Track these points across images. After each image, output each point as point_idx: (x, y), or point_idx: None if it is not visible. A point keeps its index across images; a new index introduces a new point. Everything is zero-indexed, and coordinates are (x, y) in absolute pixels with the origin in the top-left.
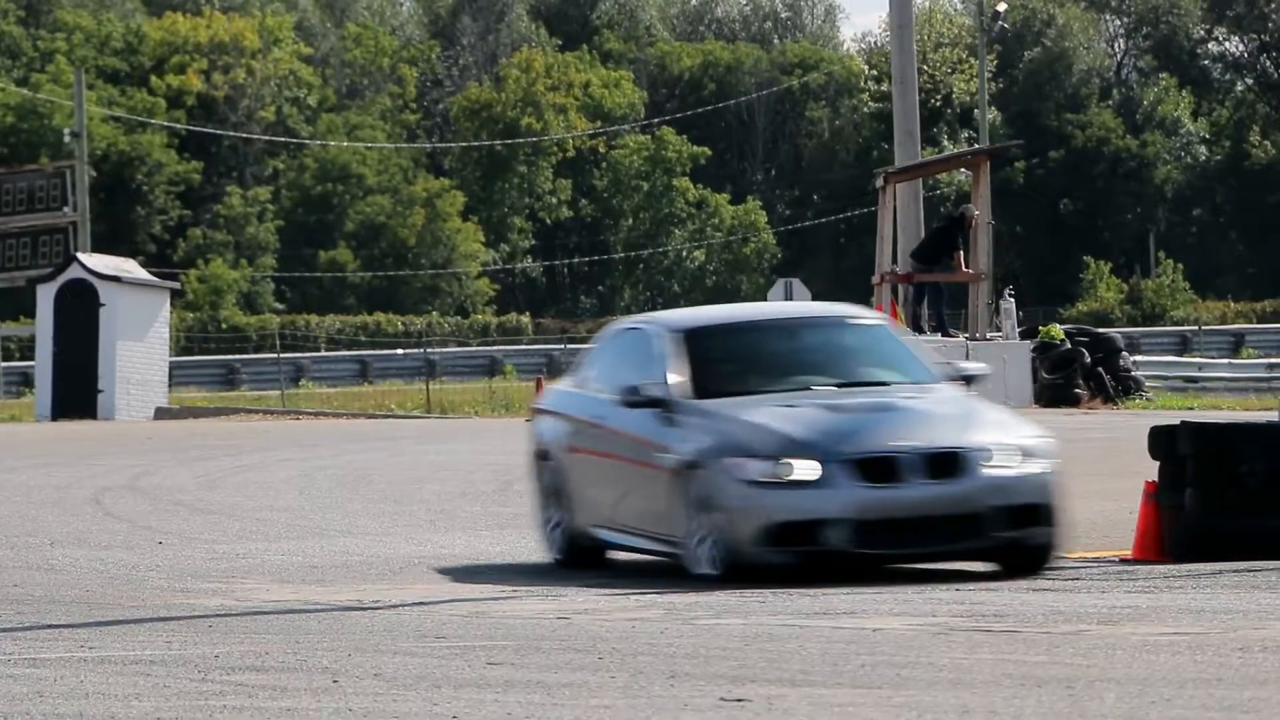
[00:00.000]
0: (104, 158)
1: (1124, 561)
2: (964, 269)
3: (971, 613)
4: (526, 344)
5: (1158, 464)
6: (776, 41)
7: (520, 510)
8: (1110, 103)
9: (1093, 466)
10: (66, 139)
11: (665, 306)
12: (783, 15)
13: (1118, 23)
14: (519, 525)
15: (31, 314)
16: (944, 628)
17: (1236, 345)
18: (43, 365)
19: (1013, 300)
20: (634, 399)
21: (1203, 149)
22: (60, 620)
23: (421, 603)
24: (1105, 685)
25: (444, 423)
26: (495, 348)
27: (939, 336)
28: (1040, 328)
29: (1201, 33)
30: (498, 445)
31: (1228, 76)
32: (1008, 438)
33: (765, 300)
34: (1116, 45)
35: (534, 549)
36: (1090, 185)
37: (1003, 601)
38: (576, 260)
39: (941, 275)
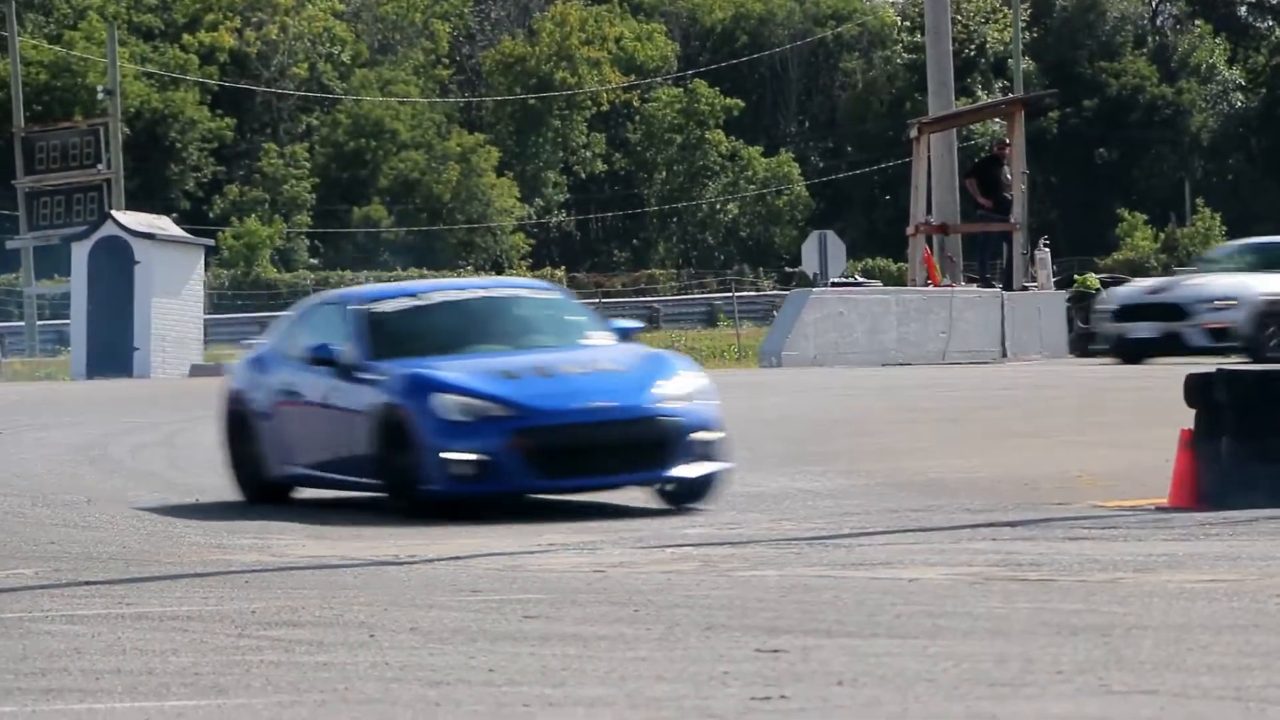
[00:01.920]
0: (137, 115)
1: (1160, 509)
2: (981, 199)
3: (1007, 562)
4: None
5: (1194, 412)
6: None
7: None
8: (1145, 51)
9: (1128, 416)
10: (100, 96)
11: (699, 260)
12: None
13: None
14: None
15: (66, 272)
16: (980, 577)
17: None
18: (78, 323)
19: (1048, 250)
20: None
21: (1239, 96)
22: (97, 577)
23: (457, 557)
24: (1142, 633)
25: None
26: None
27: (973, 286)
28: (1076, 277)
29: None
30: None
31: (1264, 22)
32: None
33: (801, 252)
34: None
35: (570, 501)
36: (1125, 134)
37: (1038, 551)
38: (610, 214)
39: (979, 225)
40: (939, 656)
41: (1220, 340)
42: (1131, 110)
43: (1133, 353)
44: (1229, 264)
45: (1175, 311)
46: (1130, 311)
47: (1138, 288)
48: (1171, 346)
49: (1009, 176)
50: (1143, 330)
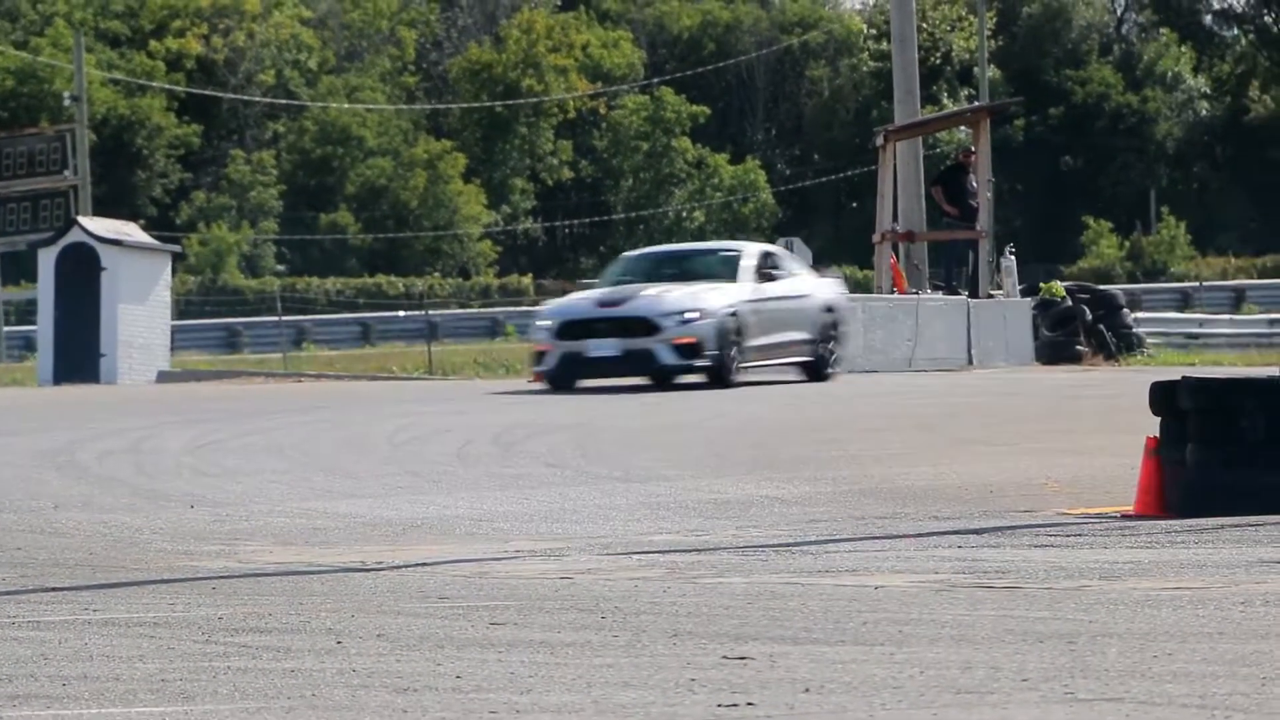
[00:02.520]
0: (104, 121)
1: (1125, 517)
2: (947, 207)
3: (973, 569)
4: (528, 305)
5: (1159, 420)
6: (775, 0)
7: (522, 471)
8: (1110, 59)
9: (1094, 423)
10: (66, 102)
11: None
12: None
13: None
14: (520, 486)
15: (32, 278)
16: (946, 584)
17: (1237, 301)
18: (44, 329)
19: (1014, 258)
20: None
21: (1204, 104)
22: (64, 583)
23: (424, 563)
24: (1108, 640)
25: (445, 384)
26: (497, 309)
27: (939, 294)
28: (1041, 285)
29: None
30: (498, 407)
31: (1229, 31)
32: None
33: None
34: (1116, 1)
35: (539, 508)
36: (1091, 142)
37: (1005, 558)
38: (577, 221)
39: (945, 233)
40: (905, 664)
41: (690, 357)
42: (1097, 118)
43: (577, 376)
44: (636, 274)
45: (643, 326)
46: (579, 327)
47: (583, 299)
48: (638, 366)
49: (974, 184)
50: (603, 348)
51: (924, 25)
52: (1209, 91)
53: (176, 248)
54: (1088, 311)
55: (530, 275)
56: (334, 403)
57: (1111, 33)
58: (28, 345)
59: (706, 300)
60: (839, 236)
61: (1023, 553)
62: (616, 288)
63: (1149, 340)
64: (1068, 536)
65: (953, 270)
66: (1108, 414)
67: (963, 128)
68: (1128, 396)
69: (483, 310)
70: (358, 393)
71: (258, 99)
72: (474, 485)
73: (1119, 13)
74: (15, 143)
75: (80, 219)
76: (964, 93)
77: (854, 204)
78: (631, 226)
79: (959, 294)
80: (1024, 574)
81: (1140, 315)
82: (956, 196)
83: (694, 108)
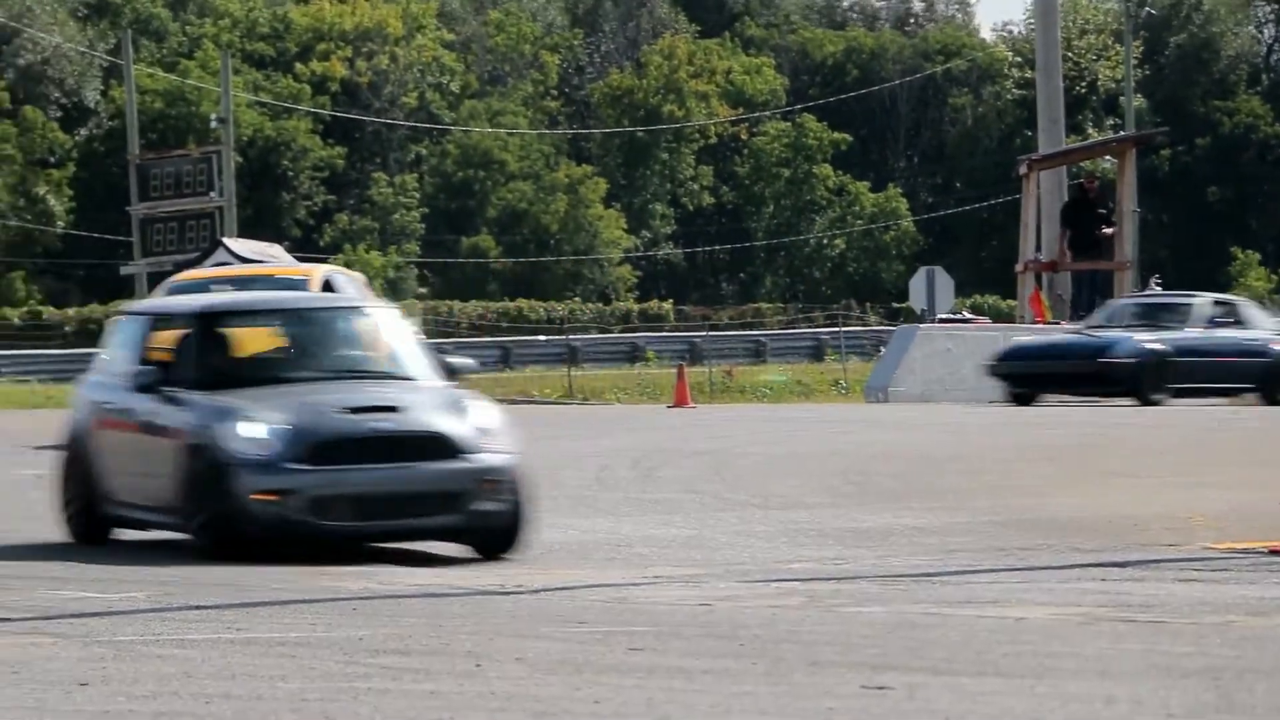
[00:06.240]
0: (250, 143)
1: (1273, 553)
2: (1067, 253)
3: (1117, 603)
4: (668, 331)
5: None
6: (910, 28)
7: (657, 496)
8: (1259, 89)
9: (1239, 456)
10: (213, 125)
11: (806, 294)
12: (918, 4)
13: (1267, 8)
14: (660, 510)
15: None
16: (1089, 618)
17: None
18: None
19: (1159, 288)
20: (142, 384)
21: None
22: (208, 601)
23: (563, 587)
24: (1255, 676)
25: (585, 409)
26: (637, 334)
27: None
28: None
29: None
30: (637, 432)
31: None
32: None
33: (909, 288)
34: (1265, 30)
35: (677, 534)
36: (1238, 172)
37: (1148, 592)
38: (717, 248)
39: (1088, 263)
40: (1046, 696)
41: None
42: (1244, 149)
43: None
44: None
45: None
46: None
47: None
48: None
49: (1102, 212)
50: None
51: (1069, 54)
52: None
53: None
54: None
55: (670, 301)
56: None
57: (1260, 62)
58: None
59: None
60: (980, 266)
61: (1167, 587)
62: None
63: None
64: (1214, 571)
65: (1094, 300)
66: (1255, 448)
67: (1108, 157)
68: (1276, 429)
69: (622, 335)
70: None
71: (401, 122)
72: (612, 510)
73: (1268, 43)
74: (163, 164)
75: (225, 240)
76: (1109, 122)
77: (996, 233)
78: (772, 253)
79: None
80: (1169, 608)
81: None
82: (1083, 234)
83: (836, 135)
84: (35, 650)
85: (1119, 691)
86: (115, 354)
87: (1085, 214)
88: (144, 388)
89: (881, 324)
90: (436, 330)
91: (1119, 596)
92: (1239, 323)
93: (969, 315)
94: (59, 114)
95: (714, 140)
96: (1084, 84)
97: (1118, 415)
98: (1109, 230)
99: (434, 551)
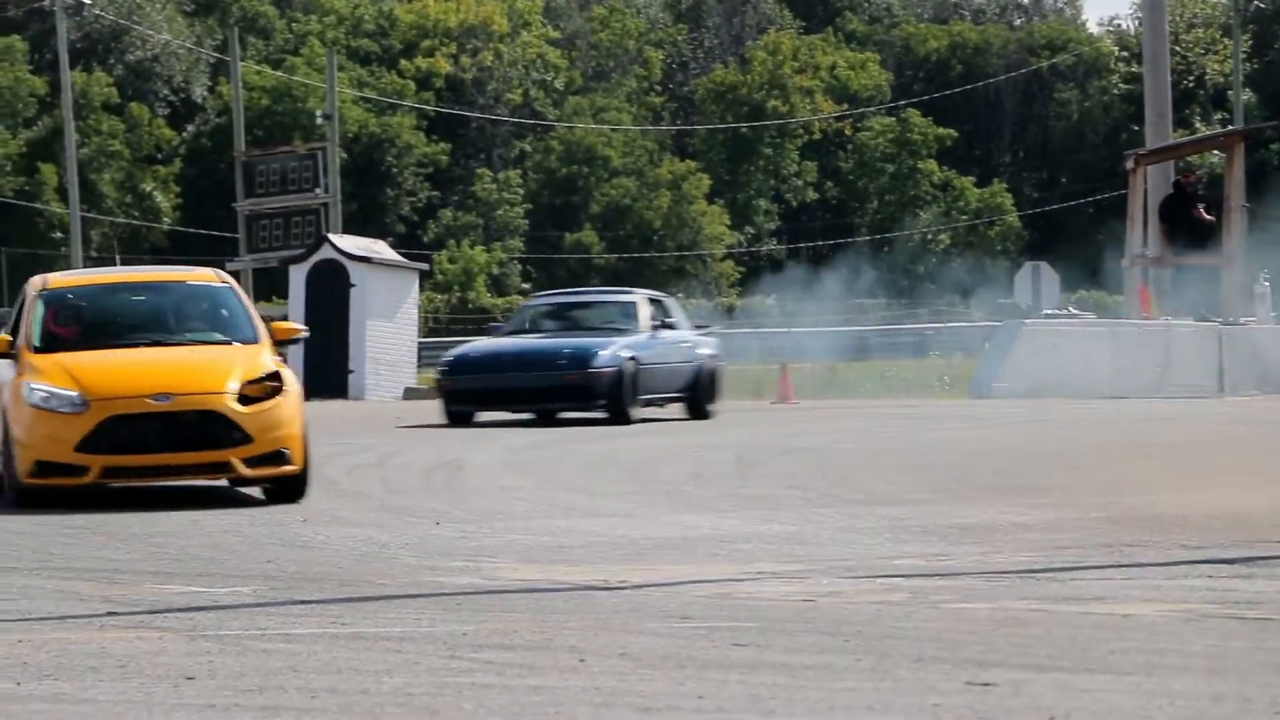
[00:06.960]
0: (355, 139)
1: None
2: (1167, 243)
3: (1224, 599)
4: (773, 328)
5: None
6: (1018, 22)
7: (758, 491)
8: None
9: None
10: (319, 121)
11: (910, 289)
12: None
13: None
14: (761, 506)
15: (284, 294)
16: (1196, 614)
17: None
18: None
19: (1268, 284)
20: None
21: None
22: (312, 596)
23: (666, 583)
24: None
25: None
26: (740, 330)
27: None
28: None
29: None
30: (736, 427)
31: None
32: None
33: (1014, 283)
34: None
35: (780, 530)
36: None
37: (1257, 589)
38: (821, 243)
39: (1196, 258)
40: (1154, 694)
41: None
42: None
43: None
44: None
45: None
46: None
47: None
48: None
49: (1201, 204)
50: None
51: (1177, 48)
52: None
53: (424, 265)
54: None
55: (774, 296)
56: (569, 423)
57: None
58: None
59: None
60: (1086, 261)
61: (1276, 584)
62: None
63: None
64: None
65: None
66: None
67: (1216, 152)
68: None
69: (725, 331)
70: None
71: (505, 118)
72: (714, 505)
73: None
74: (268, 160)
75: (331, 236)
76: (1217, 116)
77: (1102, 228)
78: (876, 248)
79: (1210, 320)
80: (1276, 605)
81: None
82: (1179, 227)
83: (940, 130)
84: (142, 644)
85: (1226, 689)
86: None
87: (1182, 207)
88: None
89: (986, 320)
90: None
91: (1226, 593)
92: (672, 326)
93: (1074, 311)
94: (166, 111)
95: (818, 136)
96: (1191, 78)
97: (1228, 411)
98: (1209, 218)
99: (539, 547)
